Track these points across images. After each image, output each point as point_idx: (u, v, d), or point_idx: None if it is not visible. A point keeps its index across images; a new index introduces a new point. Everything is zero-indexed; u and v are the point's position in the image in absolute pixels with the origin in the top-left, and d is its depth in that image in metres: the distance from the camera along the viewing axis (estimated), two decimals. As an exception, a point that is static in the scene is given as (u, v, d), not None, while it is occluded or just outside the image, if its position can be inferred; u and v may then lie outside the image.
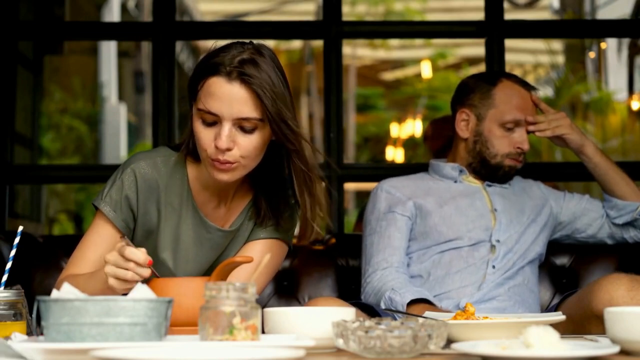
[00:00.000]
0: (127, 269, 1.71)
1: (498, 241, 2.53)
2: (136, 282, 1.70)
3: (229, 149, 1.87)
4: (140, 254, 1.70)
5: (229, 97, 1.85)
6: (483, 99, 2.62)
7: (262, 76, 1.85)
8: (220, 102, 1.85)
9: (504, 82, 2.63)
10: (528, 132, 2.61)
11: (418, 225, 2.57)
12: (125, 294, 1.87)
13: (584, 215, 2.70)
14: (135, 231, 2.03)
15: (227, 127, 1.86)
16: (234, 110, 1.85)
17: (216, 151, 1.88)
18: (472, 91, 2.65)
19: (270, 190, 2.04)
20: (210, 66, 1.88)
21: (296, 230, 2.14)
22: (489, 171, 2.62)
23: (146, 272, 1.72)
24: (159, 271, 1.93)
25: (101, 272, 1.77)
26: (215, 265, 2.06)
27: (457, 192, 2.61)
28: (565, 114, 2.66)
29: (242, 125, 1.87)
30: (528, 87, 2.65)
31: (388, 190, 2.62)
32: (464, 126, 2.64)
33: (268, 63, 1.88)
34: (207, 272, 2.06)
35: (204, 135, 1.90)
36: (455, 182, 2.64)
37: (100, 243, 1.97)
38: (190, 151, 2.03)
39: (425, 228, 2.56)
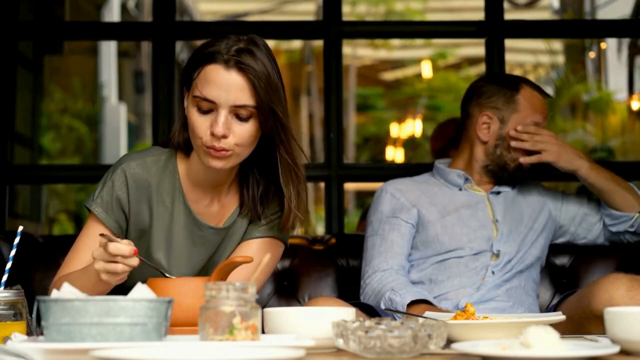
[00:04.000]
0: (115, 262, 1.72)
1: (499, 251, 2.53)
2: (128, 272, 1.73)
3: (224, 136, 1.88)
4: (124, 247, 1.71)
5: (226, 84, 1.87)
6: (508, 103, 2.63)
7: (258, 66, 1.88)
8: (217, 89, 1.87)
9: (526, 88, 2.65)
10: (511, 147, 2.60)
11: (420, 234, 2.57)
12: (121, 287, 1.88)
13: (584, 220, 2.70)
14: (127, 231, 2.04)
15: (223, 114, 1.87)
16: (231, 98, 1.87)
17: (212, 138, 1.88)
18: (494, 95, 2.65)
19: (256, 181, 2.04)
20: (207, 55, 1.90)
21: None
22: (507, 174, 2.62)
23: (134, 262, 1.74)
24: (152, 270, 1.93)
25: (92, 267, 1.78)
26: (209, 263, 2.06)
27: (461, 203, 2.60)
28: (555, 138, 2.62)
29: (238, 113, 1.88)
30: (544, 94, 2.68)
31: (393, 194, 2.61)
32: (485, 129, 2.64)
33: (263, 53, 1.91)
34: (201, 271, 2.06)
35: (200, 123, 1.90)
36: (460, 189, 2.64)
37: (93, 244, 1.95)
38: (180, 146, 2.03)
39: (427, 237, 2.55)
